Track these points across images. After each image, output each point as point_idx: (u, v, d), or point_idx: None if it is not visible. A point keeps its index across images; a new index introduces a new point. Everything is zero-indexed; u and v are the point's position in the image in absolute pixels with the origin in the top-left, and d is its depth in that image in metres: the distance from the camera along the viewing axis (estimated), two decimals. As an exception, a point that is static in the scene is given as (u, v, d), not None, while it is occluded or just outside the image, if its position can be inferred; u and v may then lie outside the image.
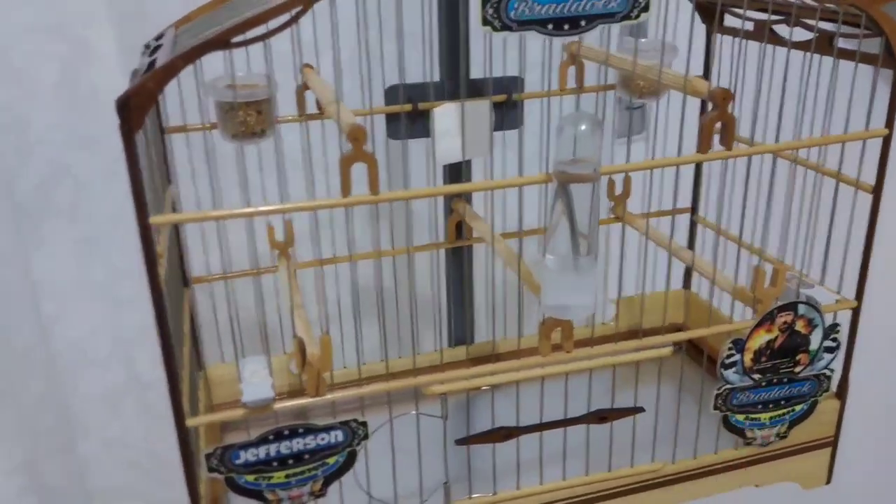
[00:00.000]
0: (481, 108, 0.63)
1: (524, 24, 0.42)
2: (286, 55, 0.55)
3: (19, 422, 0.87)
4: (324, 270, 0.66)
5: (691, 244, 0.74)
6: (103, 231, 0.90)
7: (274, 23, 0.40)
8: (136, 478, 1.01)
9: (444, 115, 0.62)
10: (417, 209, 0.65)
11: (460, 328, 0.73)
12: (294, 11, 0.39)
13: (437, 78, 0.68)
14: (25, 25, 0.80)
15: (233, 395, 0.67)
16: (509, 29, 0.42)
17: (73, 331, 0.92)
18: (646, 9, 0.43)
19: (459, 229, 0.69)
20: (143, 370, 0.97)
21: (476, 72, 0.68)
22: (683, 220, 0.76)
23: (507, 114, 0.67)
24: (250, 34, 0.39)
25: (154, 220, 0.40)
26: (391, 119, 0.67)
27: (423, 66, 0.65)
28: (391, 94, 0.66)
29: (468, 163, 0.70)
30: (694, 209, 0.74)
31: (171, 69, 0.38)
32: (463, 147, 0.63)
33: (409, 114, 0.66)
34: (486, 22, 0.42)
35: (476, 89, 0.67)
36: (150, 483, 1.01)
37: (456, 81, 0.67)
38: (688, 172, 0.72)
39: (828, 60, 0.53)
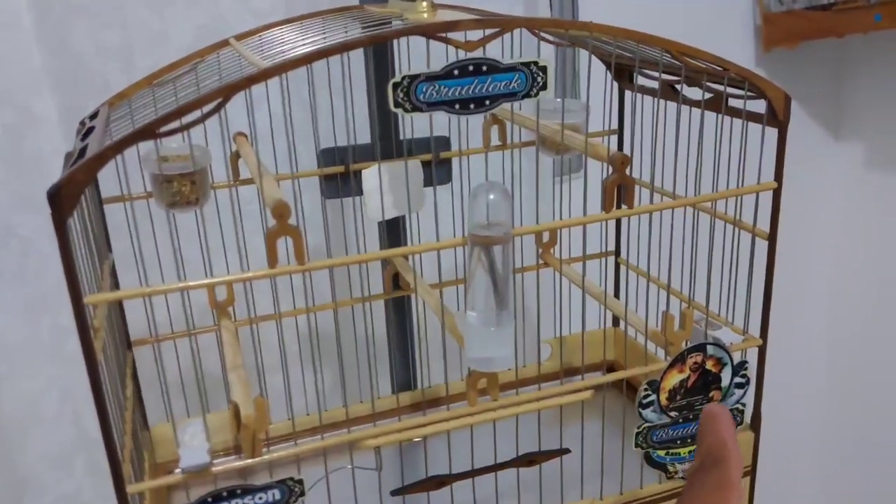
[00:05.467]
0: (410, 167, 0.67)
1: (433, 105, 0.46)
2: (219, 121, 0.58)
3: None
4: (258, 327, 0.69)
5: (617, 285, 0.78)
6: (50, 290, 0.91)
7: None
8: (87, 536, 1.00)
9: (374, 175, 0.66)
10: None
11: (403, 374, 0.76)
12: (215, 103, 0.42)
13: (367, 139, 0.71)
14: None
15: (177, 453, 0.69)
16: (420, 110, 0.46)
17: (22, 390, 0.92)
18: (544, 87, 0.47)
19: (396, 279, 0.73)
20: (92, 428, 0.97)
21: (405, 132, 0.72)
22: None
23: (437, 171, 0.71)
24: (175, 124, 0.42)
25: (89, 299, 0.42)
26: (326, 179, 0.70)
27: (349, 129, 0.69)
28: (325, 155, 0.69)
29: (403, 217, 0.74)
30: (618, 252, 0.78)
31: (101, 159, 0.40)
32: (392, 204, 0.67)
33: (342, 174, 0.69)
34: (397, 104, 0.45)
35: (405, 149, 0.71)
36: (100, 541, 1.01)
37: (386, 142, 0.70)
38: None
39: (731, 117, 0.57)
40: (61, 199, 0.40)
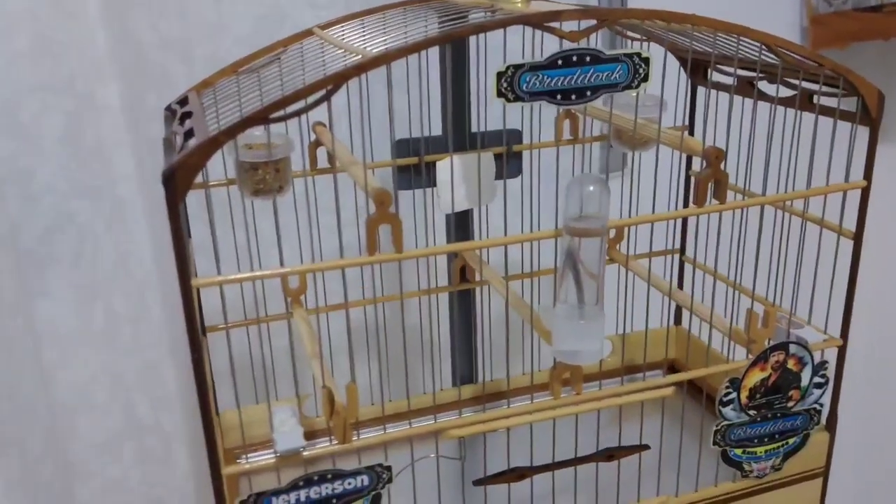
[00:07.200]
0: (484, 160, 0.67)
1: (535, 96, 0.46)
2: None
3: (23, 470, 0.88)
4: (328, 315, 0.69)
5: (680, 283, 0.78)
6: (105, 278, 0.91)
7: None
8: (133, 523, 1.01)
9: (448, 167, 0.66)
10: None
11: (466, 367, 0.76)
12: (327, 89, 0.42)
13: (438, 132, 0.71)
14: (32, 82, 0.82)
15: (241, 440, 0.69)
16: (522, 100, 0.46)
17: (74, 377, 0.93)
18: (646, 79, 0.47)
19: (463, 272, 0.73)
20: (142, 415, 0.98)
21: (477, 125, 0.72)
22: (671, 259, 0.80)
23: (508, 164, 0.71)
24: (287, 110, 0.42)
25: (196, 282, 0.43)
26: (399, 170, 0.70)
27: (424, 121, 0.69)
28: (398, 146, 0.69)
29: (470, 210, 0.74)
30: (682, 250, 0.78)
31: (214, 144, 0.41)
32: (466, 196, 0.67)
33: (414, 166, 0.69)
34: (500, 94, 0.45)
35: (477, 142, 0.71)
36: (147, 527, 1.02)
37: (459, 135, 0.70)
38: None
39: (806, 115, 0.57)
40: (176, 183, 0.40)
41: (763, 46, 0.51)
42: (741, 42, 0.51)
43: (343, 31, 0.61)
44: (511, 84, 0.45)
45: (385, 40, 0.51)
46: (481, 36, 0.63)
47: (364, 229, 0.68)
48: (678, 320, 0.81)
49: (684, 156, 0.76)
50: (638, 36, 0.66)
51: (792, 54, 0.51)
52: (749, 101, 0.57)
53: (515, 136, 0.71)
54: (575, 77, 0.46)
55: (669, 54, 0.67)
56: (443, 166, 0.66)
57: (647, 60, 0.47)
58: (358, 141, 0.71)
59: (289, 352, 0.69)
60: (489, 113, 0.67)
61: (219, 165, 0.63)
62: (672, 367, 0.80)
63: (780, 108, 0.58)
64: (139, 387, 0.97)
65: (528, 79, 0.45)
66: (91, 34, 0.84)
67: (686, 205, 0.74)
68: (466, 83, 0.68)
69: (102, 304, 0.92)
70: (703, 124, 0.60)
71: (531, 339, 0.56)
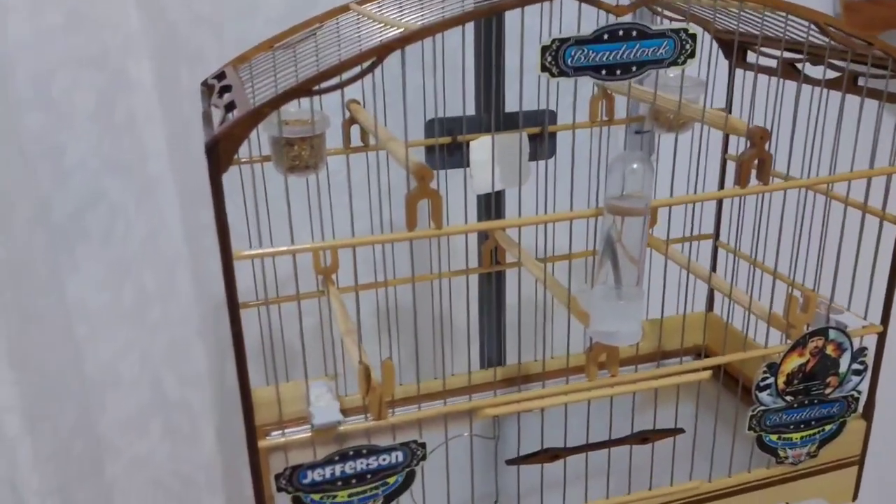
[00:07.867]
0: (517, 140, 0.66)
1: (580, 70, 0.45)
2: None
3: (56, 445, 0.89)
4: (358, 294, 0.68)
5: (713, 269, 0.77)
6: (135, 255, 0.92)
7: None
8: (161, 499, 1.02)
9: (482, 147, 0.65)
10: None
11: (494, 350, 0.76)
12: (368, 63, 0.42)
13: (471, 111, 0.71)
14: (65, 58, 0.82)
15: (268, 417, 0.70)
16: (566, 75, 0.45)
17: (104, 353, 0.94)
18: (692, 55, 0.46)
19: (493, 255, 0.72)
20: (170, 391, 0.99)
21: (510, 105, 0.71)
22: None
23: (541, 145, 0.70)
24: (327, 83, 0.42)
25: (238, 254, 0.42)
26: (429, 150, 0.69)
27: (461, 101, 0.68)
28: (430, 126, 0.68)
29: (502, 192, 0.73)
30: (717, 235, 0.77)
31: (258, 115, 0.40)
32: (499, 177, 0.66)
33: (447, 145, 0.68)
34: (544, 68, 0.45)
35: (511, 122, 0.70)
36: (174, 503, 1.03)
37: (492, 115, 0.70)
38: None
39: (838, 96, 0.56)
40: (219, 154, 0.40)
41: (812, 26, 0.50)
42: (788, 21, 0.50)
43: (380, 7, 0.61)
44: (556, 58, 0.45)
45: (423, 16, 0.51)
46: (516, 14, 0.62)
47: (393, 211, 0.67)
48: (710, 306, 0.80)
49: (718, 140, 0.75)
50: (675, 16, 0.65)
51: (843, 34, 0.50)
52: (786, 84, 0.56)
53: (550, 116, 0.70)
54: (621, 52, 0.45)
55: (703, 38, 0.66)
56: (477, 146, 0.65)
57: (693, 37, 0.46)
58: (388, 120, 0.71)
59: (317, 331, 0.69)
60: (515, 93, 0.66)
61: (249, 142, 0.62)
62: (705, 354, 0.80)
63: (818, 90, 0.57)
64: (167, 363, 0.97)
65: (573, 53, 0.45)
66: (124, 11, 0.84)
67: (721, 188, 0.73)
68: (502, 61, 0.68)
69: (132, 281, 0.93)
70: (742, 105, 0.59)
71: (566, 322, 0.56)
